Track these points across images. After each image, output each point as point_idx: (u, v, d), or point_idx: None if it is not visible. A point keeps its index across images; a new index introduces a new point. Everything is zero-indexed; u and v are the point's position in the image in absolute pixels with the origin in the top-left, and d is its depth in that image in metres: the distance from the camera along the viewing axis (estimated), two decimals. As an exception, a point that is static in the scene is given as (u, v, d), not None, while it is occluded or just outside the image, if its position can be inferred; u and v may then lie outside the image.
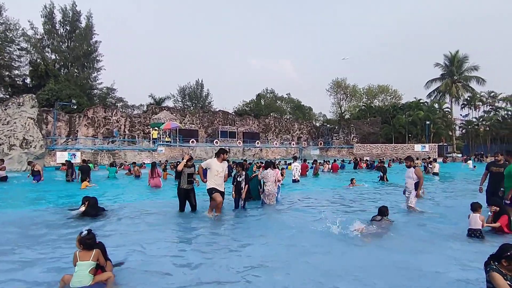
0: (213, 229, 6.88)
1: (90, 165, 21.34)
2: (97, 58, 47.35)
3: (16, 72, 40.98)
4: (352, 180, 14.93)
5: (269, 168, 9.84)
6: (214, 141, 41.94)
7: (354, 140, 51.78)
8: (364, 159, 34.63)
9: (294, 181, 15.60)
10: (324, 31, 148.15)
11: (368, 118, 57.60)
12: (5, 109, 23.96)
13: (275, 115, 61.42)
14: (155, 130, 37.56)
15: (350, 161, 34.63)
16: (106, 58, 48.88)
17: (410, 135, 52.17)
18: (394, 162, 34.40)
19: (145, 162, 29.99)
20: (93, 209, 8.12)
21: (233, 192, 8.84)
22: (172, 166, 20.57)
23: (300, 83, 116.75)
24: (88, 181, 14.81)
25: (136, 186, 15.52)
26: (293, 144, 51.81)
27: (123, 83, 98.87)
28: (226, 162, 7.89)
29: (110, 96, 50.47)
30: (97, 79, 48.52)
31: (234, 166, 10.50)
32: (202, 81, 62.80)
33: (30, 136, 24.66)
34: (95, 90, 48.66)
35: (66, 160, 21.47)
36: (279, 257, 4.95)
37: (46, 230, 6.72)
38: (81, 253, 3.83)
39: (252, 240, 5.91)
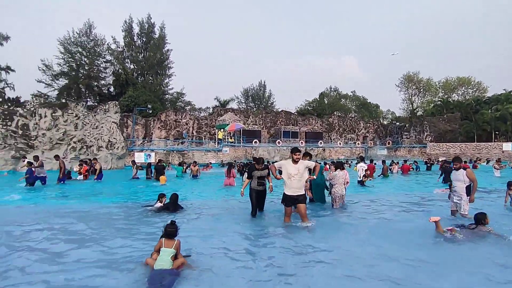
0: (285, 233, 6.48)
1: (164, 164, 23.54)
2: (169, 65, 50.85)
3: (102, 82, 46.39)
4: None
5: (338, 170, 9.47)
6: (277, 141, 42.12)
7: (427, 139, 47.94)
8: (441, 159, 31.88)
9: (360, 182, 15.00)
10: (391, 20, 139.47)
11: (445, 114, 52.64)
12: (95, 115, 27.63)
13: (339, 114, 59.55)
14: (220, 131, 38.86)
15: (436, 162, 30.79)
16: (176, 64, 51.99)
17: (497, 132, 46.59)
18: (478, 162, 29.62)
19: (212, 162, 32.07)
20: (173, 205, 8.61)
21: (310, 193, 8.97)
22: (239, 167, 20.67)
23: (366, 80, 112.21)
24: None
25: (210, 184, 16.22)
26: (358, 143, 49.94)
27: (191, 88, 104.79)
28: (303, 162, 6.96)
29: (180, 100, 53.72)
30: (169, 85, 51.90)
31: None
32: (264, 82, 63.53)
33: (114, 138, 28.06)
34: (167, 95, 52.07)
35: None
36: (363, 262, 4.73)
37: (127, 222, 7.57)
38: (166, 241, 4.45)
39: (330, 245, 5.62)
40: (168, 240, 4.47)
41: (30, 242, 5.77)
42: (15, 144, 23.47)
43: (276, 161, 9.01)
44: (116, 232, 6.54)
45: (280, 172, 7.10)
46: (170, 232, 4.54)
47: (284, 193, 6.97)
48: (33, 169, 14.41)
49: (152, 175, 18.12)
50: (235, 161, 25.61)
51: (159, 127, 40.11)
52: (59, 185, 15.09)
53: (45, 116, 24.98)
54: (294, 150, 6.92)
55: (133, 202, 10.71)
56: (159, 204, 8.89)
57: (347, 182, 9.50)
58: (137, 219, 7.92)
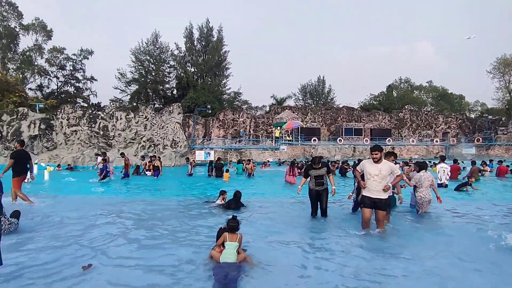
0: (351, 236, 6.23)
1: (223, 162, 24.69)
2: (226, 66, 52.26)
3: (167, 86, 50.42)
4: None
5: (422, 171, 8.51)
6: (338, 139, 40.28)
7: None
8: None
9: (441, 185, 13.31)
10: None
11: None
12: (161, 117, 30.89)
13: (411, 108, 54.36)
14: (277, 129, 38.46)
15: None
16: (232, 64, 53.76)
17: None
18: None
19: (269, 161, 32.16)
20: (235, 202, 8.81)
21: (351, 194, 8.69)
22: (297, 166, 19.43)
23: (445, 68, 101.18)
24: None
25: (270, 182, 16.49)
26: (437, 141, 44.64)
27: (247, 87, 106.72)
28: (388, 164, 6.27)
29: (237, 99, 55.29)
30: (226, 85, 53.34)
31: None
32: (323, 77, 61.40)
33: (177, 137, 31.05)
34: (225, 95, 53.62)
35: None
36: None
37: (190, 216, 8.01)
38: (229, 235, 4.63)
39: (405, 254, 5.25)
40: (231, 234, 4.65)
41: (108, 226, 6.90)
42: (98, 143, 27.63)
43: (355, 162, 8.02)
44: (180, 226, 7.01)
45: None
46: (233, 226, 4.73)
47: (362, 194, 6.46)
48: (107, 165, 16.55)
49: (213, 172, 18.97)
50: (294, 159, 24.86)
51: (217, 126, 41.86)
52: (124, 180, 17.01)
53: (121, 118, 28.84)
54: (373, 148, 6.26)
55: (196, 197, 11.35)
56: (220, 201, 9.17)
57: (431, 185, 8.38)
58: (199, 214, 8.30)
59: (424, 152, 42.87)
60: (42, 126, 26.04)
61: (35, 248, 5.32)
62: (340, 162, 22.35)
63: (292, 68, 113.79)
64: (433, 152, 42.56)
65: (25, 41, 45.52)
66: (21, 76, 43.80)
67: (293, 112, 43.38)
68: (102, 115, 29.32)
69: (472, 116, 58.39)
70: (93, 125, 27.80)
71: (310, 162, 7.93)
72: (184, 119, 34.86)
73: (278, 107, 48.11)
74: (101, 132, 27.97)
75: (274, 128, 39.63)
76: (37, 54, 46.31)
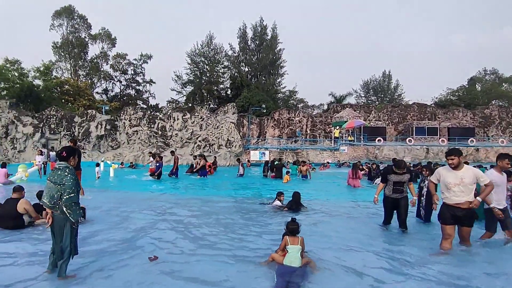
0: (428, 248, 5.53)
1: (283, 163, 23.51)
2: (281, 64, 51.23)
3: (221, 86, 50.75)
4: None
5: None
6: (407, 139, 36.16)
7: None
8: None
9: None
10: None
11: None
12: (216, 117, 30.99)
13: (500, 103, 47.72)
14: (337, 129, 36.43)
15: None
16: (288, 62, 52.34)
17: None
18: None
19: (329, 162, 30.73)
20: (295, 204, 8.59)
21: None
22: (361, 168, 18.51)
23: None
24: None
25: (331, 184, 16.10)
26: None
27: (303, 85, 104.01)
28: (472, 170, 5.20)
29: (292, 98, 53.76)
30: (281, 84, 52.32)
31: (422, 170, 8.77)
32: (389, 72, 57.61)
33: (232, 137, 30.85)
34: (279, 94, 52.60)
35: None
36: None
37: (247, 217, 8.11)
38: (291, 238, 4.51)
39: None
40: (292, 237, 4.54)
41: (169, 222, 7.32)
42: (156, 142, 28.45)
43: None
44: (236, 225, 7.11)
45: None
46: (293, 229, 4.62)
47: (441, 206, 5.37)
48: (160, 163, 16.72)
49: (268, 172, 18.93)
50: (359, 161, 23.48)
51: (272, 126, 40.49)
52: (173, 178, 17.20)
53: (178, 119, 29.42)
54: (449, 152, 5.22)
55: (252, 197, 11.49)
56: (277, 202, 9.01)
57: None
58: (256, 215, 8.30)
59: None
60: (108, 127, 27.79)
61: (104, 238, 5.89)
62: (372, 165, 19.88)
63: (352, 63, 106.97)
64: None
65: (93, 50, 50.68)
66: (89, 81, 48.75)
67: (355, 110, 40.13)
68: (160, 116, 30.17)
69: None
70: (152, 126, 28.70)
71: (391, 166, 6.93)
72: (238, 118, 34.41)
73: (338, 105, 45.21)
74: (160, 132, 28.75)
75: (333, 128, 37.64)
76: (103, 60, 50.90)
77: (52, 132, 27.61)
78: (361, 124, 34.72)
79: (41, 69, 37.35)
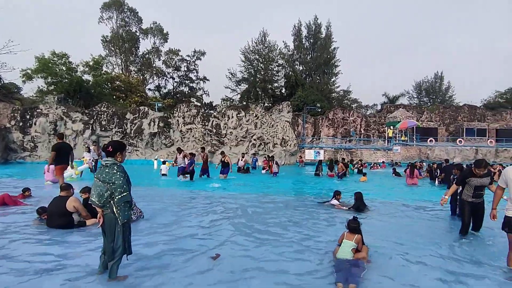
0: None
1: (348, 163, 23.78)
2: (335, 64, 50.42)
3: (275, 84, 49.98)
4: None
5: None
6: (457, 140, 36.94)
7: None
8: None
9: None
10: None
11: None
12: (271, 115, 29.98)
13: None
14: (390, 129, 36.78)
15: None
16: (342, 62, 51.19)
17: None
18: None
19: (384, 161, 30.96)
20: (361, 204, 8.61)
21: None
22: (417, 167, 18.72)
23: None
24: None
25: (389, 184, 16.07)
26: None
27: (357, 84, 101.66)
28: None
29: (346, 98, 53.12)
30: (335, 83, 51.72)
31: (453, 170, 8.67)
32: (441, 73, 57.58)
33: (287, 136, 29.76)
34: (333, 94, 51.90)
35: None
36: None
37: (306, 215, 8.06)
38: (348, 234, 4.87)
39: None
40: (350, 233, 4.85)
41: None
42: (211, 140, 27.92)
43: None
44: (296, 223, 7.13)
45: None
46: (353, 227, 4.89)
47: (505, 215, 4.66)
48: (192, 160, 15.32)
49: (321, 171, 19.25)
50: (414, 162, 23.04)
51: (327, 125, 40.18)
52: (204, 177, 16.13)
53: (232, 117, 28.72)
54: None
55: (310, 196, 11.36)
56: (335, 201, 9.03)
57: None
58: (316, 213, 8.23)
59: None
60: (161, 124, 27.44)
61: (159, 239, 5.68)
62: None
63: (405, 64, 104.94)
64: None
65: (144, 45, 50.27)
66: (141, 77, 47.72)
67: (408, 111, 41.04)
68: (215, 113, 29.70)
69: None
70: (206, 123, 28.22)
71: (471, 167, 6.30)
72: (293, 117, 33.78)
73: (391, 105, 45.60)
74: (214, 130, 28.21)
75: (386, 128, 38.10)
76: (155, 56, 49.78)
77: (103, 129, 26.93)
78: (414, 125, 35.12)
79: (91, 63, 35.14)
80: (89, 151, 17.03)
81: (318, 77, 49.56)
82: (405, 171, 18.26)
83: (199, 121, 28.14)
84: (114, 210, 3.65)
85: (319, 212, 8.42)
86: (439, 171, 16.52)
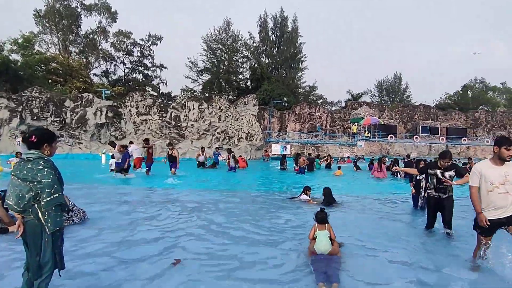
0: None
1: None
2: (302, 59, 49.51)
3: (240, 76, 47.87)
4: None
5: None
6: (414, 137, 39.22)
7: None
8: None
9: None
10: None
11: None
12: (235, 108, 27.82)
13: (486, 109, 53.61)
14: (355, 125, 37.36)
15: None
16: (308, 57, 50.48)
17: None
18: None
19: (349, 156, 31.05)
20: (330, 198, 8.47)
21: (413, 188, 8.27)
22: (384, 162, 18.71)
23: None
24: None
25: (361, 177, 16.39)
26: None
27: (321, 81, 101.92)
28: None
29: (312, 94, 52.23)
30: (301, 78, 50.66)
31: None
32: (400, 74, 59.40)
33: (253, 130, 27.78)
34: (300, 89, 50.70)
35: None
36: None
37: (275, 212, 7.56)
38: (318, 226, 4.67)
39: None
40: (320, 225, 4.67)
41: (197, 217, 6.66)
42: (169, 133, 25.10)
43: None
44: (265, 220, 6.67)
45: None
46: (321, 218, 4.72)
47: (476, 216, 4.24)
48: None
49: (287, 165, 18.93)
50: (384, 155, 24.27)
51: (293, 120, 39.18)
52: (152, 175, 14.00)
53: (193, 108, 26.13)
54: (505, 142, 4.03)
55: (280, 192, 10.84)
56: (304, 196, 8.79)
57: None
58: (284, 210, 7.78)
59: None
60: (110, 114, 23.82)
61: (108, 243, 4.87)
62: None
63: (367, 63, 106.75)
64: None
65: (88, 23, 43.36)
66: (84, 60, 41.39)
67: (370, 108, 42.20)
68: (174, 104, 26.89)
69: None
70: (164, 115, 25.35)
71: (436, 161, 6.14)
72: (259, 111, 32.03)
73: (355, 102, 46.68)
74: (173, 122, 25.44)
75: (351, 124, 38.99)
76: (101, 37, 43.33)
77: (35, 117, 22.62)
78: (376, 122, 36.30)
79: (20, 41, 30.81)
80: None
81: (284, 71, 48.41)
82: (368, 165, 20.17)
83: (155, 112, 25.16)
84: (40, 215, 2.93)
85: (288, 208, 8.02)
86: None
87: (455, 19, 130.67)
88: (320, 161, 21.66)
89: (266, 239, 5.35)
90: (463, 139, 40.90)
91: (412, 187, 8.28)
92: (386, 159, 18.69)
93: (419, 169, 6.49)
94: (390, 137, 37.34)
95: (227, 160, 18.99)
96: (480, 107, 54.37)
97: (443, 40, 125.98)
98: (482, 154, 40.12)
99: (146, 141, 14.60)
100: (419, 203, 8.23)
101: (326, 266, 4.04)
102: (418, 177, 8.02)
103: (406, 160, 18.38)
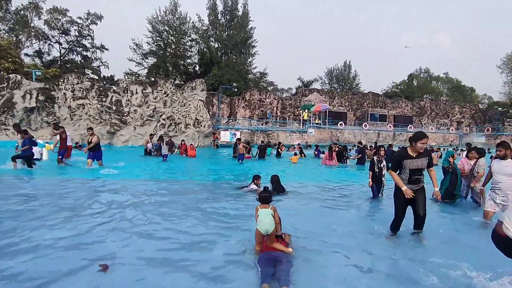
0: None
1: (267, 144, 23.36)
2: (252, 44, 48.84)
3: (188, 61, 46.13)
4: None
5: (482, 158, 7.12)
6: (363, 124, 39.94)
7: None
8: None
9: None
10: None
11: None
12: (182, 93, 26.74)
13: (431, 97, 55.61)
14: (305, 112, 37.45)
15: None
16: (258, 43, 49.85)
17: None
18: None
19: (299, 143, 30.63)
20: (278, 186, 8.26)
21: (370, 180, 7.76)
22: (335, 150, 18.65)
23: (460, 61, 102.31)
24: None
25: (312, 164, 16.32)
26: (452, 129, 46.06)
27: (272, 68, 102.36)
28: None
29: (263, 80, 51.83)
30: (252, 64, 50.13)
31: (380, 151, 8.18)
32: (350, 62, 60.53)
33: (201, 116, 26.98)
34: (250, 75, 50.20)
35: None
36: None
37: (222, 202, 7.18)
38: (261, 205, 4.27)
39: None
40: (263, 204, 4.30)
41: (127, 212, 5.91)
42: (110, 119, 23.51)
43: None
44: (212, 210, 6.31)
45: None
46: (264, 197, 4.36)
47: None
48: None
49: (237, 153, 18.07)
50: (335, 143, 24.89)
51: (243, 106, 38.89)
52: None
53: (136, 93, 24.67)
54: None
55: (228, 181, 10.24)
56: (253, 186, 8.42)
57: None
58: (232, 199, 7.48)
59: (441, 139, 44.11)
60: (41, 98, 21.53)
61: (31, 250, 3.98)
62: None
63: (318, 51, 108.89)
64: (449, 140, 44.47)
65: None
66: (14, 38, 37.09)
67: (321, 95, 42.90)
68: (115, 88, 25.19)
69: (480, 107, 60.48)
70: (103, 99, 23.62)
71: (406, 148, 5.17)
72: (208, 97, 31.08)
73: (306, 89, 46.74)
74: (114, 108, 23.82)
75: (301, 111, 38.93)
76: (34, 14, 38.93)
77: None
78: (327, 109, 36.71)
79: None
80: None
81: (234, 56, 47.35)
82: (314, 152, 20.82)
83: (94, 96, 23.33)
84: None
85: (237, 198, 7.55)
86: (356, 153, 17.68)
87: (404, 11, 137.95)
88: (282, 148, 21.35)
89: (210, 232, 4.94)
90: (409, 126, 42.17)
91: (370, 179, 7.77)
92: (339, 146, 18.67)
93: (392, 167, 5.09)
94: (340, 124, 37.81)
95: (180, 147, 18.28)
96: (425, 96, 56.35)
97: (393, 30, 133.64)
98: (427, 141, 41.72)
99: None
100: (380, 195, 7.90)
101: (274, 266, 3.65)
102: (380, 165, 7.78)
103: (360, 147, 18.46)
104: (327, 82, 61.33)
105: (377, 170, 7.77)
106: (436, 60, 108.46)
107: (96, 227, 4.90)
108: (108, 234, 4.61)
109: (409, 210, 4.93)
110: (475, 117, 51.91)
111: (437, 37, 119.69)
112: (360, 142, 22.21)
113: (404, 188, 4.68)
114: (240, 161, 16.02)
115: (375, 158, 7.98)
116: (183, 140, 21.35)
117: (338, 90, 56.44)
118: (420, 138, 4.75)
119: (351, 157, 17.79)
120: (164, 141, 16.72)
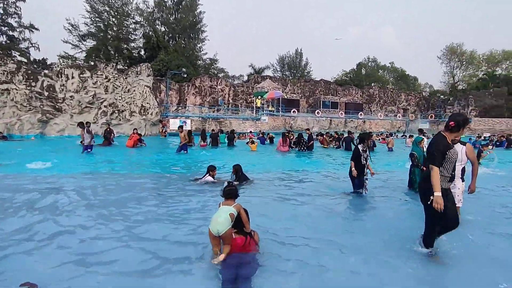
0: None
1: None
2: (202, 29, 47.31)
3: (132, 44, 43.36)
4: None
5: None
6: (316, 112, 40.31)
7: (472, 114, 44.75)
8: (486, 135, 30.79)
9: None
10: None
11: (491, 88, 48.90)
12: (126, 78, 24.73)
13: (379, 85, 56.88)
14: (258, 99, 36.71)
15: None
16: (208, 28, 48.21)
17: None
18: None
19: (252, 131, 29.98)
20: (241, 175, 8.00)
21: (354, 169, 6.77)
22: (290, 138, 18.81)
23: (404, 52, 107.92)
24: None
25: (261, 153, 15.77)
26: (399, 116, 47.97)
27: (222, 54, 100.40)
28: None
29: (213, 67, 50.58)
30: (202, 50, 48.81)
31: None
32: (301, 50, 60.66)
33: (147, 103, 25.26)
34: (200, 61, 48.80)
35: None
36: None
37: (181, 196, 6.61)
38: (224, 202, 3.88)
39: None
40: (227, 201, 3.87)
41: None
42: (41, 106, 21.01)
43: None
44: (164, 207, 5.73)
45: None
46: (229, 191, 3.92)
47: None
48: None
49: (193, 141, 17.93)
50: (290, 130, 25.14)
51: (193, 93, 37.15)
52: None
53: (72, 77, 22.33)
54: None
55: (180, 174, 9.43)
56: (209, 178, 7.91)
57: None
58: (192, 193, 6.89)
59: (389, 125, 44.91)
60: None
61: None
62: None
63: (270, 38, 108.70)
64: (396, 126, 45.32)
65: None
66: None
67: (274, 82, 42.47)
68: (46, 71, 22.51)
69: (427, 95, 63.48)
70: (33, 84, 21.00)
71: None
72: (155, 83, 29.07)
73: (258, 76, 45.99)
74: (46, 93, 21.32)
75: (254, 98, 37.98)
76: None
77: None
78: (280, 96, 36.17)
79: None
80: None
81: (183, 41, 45.45)
82: (258, 137, 21.69)
83: (20, 80, 20.62)
84: None
85: (191, 191, 6.98)
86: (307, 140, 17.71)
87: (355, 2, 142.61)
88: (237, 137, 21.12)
89: (163, 231, 4.45)
90: (359, 113, 43.38)
91: (354, 167, 6.78)
92: (294, 134, 19.08)
93: (436, 150, 3.64)
94: (293, 111, 37.93)
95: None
96: (373, 84, 57.75)
97: (342, 20, 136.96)
98: (376, 127, 42.44)
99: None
100: (364, 189, 6.89)
101: (238, 269, 3.27)
102: (364, 155, 6.77)
103: (309, 134, 18.21)
104: (279, 70, 61.60)
105: (364, 161, 6.74)
106: (382, 51, 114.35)
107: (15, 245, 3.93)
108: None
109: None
110: (420, 105, 54.33)
111: (382, 30, 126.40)
112: (307, 129, 22.03)
113: (438, 194, 3.45)
114: (185, 151, 14.52)
115: (359, 147, 6.85)
116: (135, 129, 19.24)
117: (290, 77, 56.52)
118: (468, 121, 4.19)
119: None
120: (85, 128, 13.44)
